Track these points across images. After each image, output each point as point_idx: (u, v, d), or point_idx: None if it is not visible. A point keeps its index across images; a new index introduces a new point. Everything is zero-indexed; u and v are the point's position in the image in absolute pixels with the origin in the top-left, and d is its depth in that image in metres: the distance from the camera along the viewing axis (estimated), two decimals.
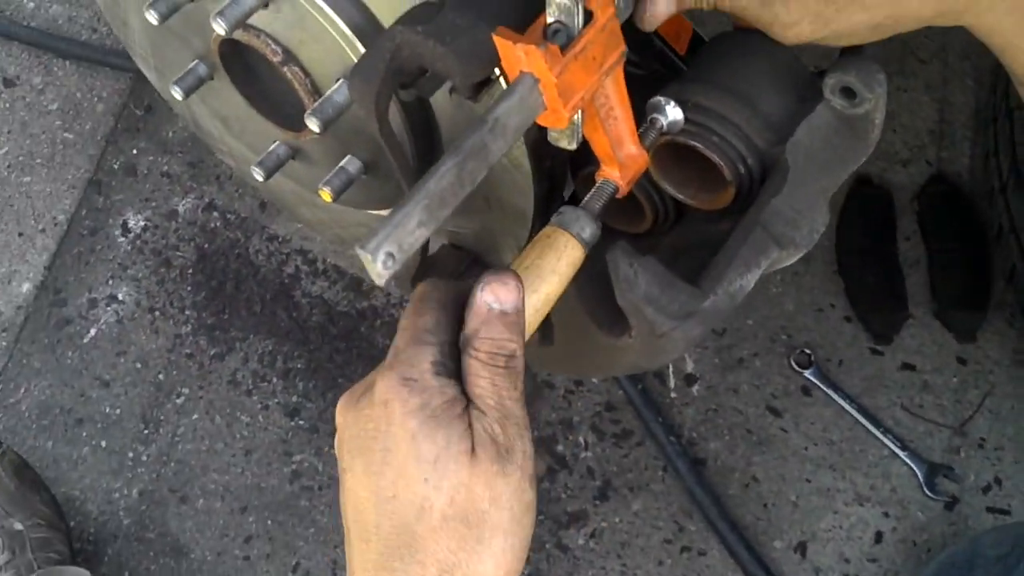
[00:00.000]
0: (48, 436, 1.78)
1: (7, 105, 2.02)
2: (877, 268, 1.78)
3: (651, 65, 1.02)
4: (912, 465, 1.69)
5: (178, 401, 1.79)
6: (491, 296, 0.71)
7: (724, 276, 0.83)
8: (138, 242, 1.89)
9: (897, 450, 1.70)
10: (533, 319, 0.76)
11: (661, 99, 0.87)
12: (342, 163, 1.03)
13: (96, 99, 1.99)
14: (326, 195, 1.02)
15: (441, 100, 0.89)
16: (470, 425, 0.69)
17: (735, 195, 0.92)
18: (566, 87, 0.70)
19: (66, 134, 1.97)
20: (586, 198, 0.82)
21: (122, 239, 1.89)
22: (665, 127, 0.87)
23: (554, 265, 0.77)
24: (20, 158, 1.96)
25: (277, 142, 1.09)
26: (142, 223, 1.90)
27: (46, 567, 1.53)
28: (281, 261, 1.86)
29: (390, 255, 0.65)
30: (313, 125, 0.92)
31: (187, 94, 1.07)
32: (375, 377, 0.71)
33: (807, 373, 1.74)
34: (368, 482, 0.70)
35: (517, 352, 0.71)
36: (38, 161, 1.95)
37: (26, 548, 1.55)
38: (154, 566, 1.70)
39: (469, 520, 0.69)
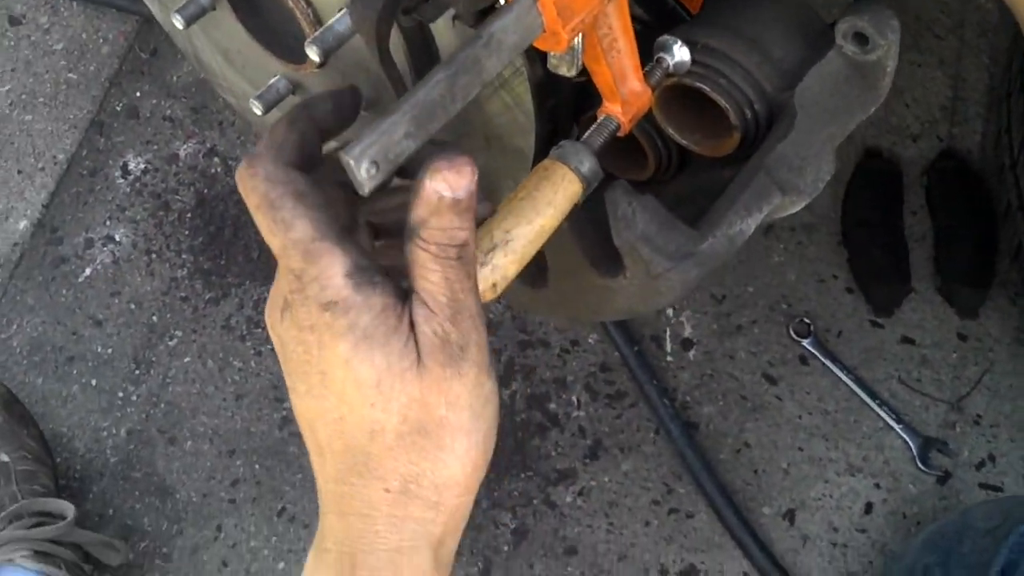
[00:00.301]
0: (39, 373, 1.77)
1: (12, 43, 2.00)
2: (882, 241, 1.77)
3: (662, 20, 1.00)
4: (906, 438, 1.68)
5: (171, 343, 1.78)
6: (442, 183, 0.62)
7: (724, 219, 0.81)
8: (137, 184, 1.87)
9: (892, 423, 1.69)
10: (527, 251, 0.74)
11: (668, 38, 0.85)
12: None
13: (101, 40, 1.97)
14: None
15: (443, 30, 0.88)
16: (411, 330, 0.64)
17: (740, 142, 0.90)
18: (565, 7, 0.68)
19: (70, 74, 1.95)
20: (586, 134, 0.81)
21: (121, 181, 1.88)
22: (671, 67, 0.86)
23: (551, 198, 0.74)
24: (23, 96, 1.94)
25: (278, 76, 1.08)
26: (142, 166, 1.88)
27: (30, 499, 1.52)
28: None
29: (374, 163, 0.63)
30: (313, 55, 0.90)
31: (188, 23, 1.05)
32: (292, 302, 0.65)
33: (805, 342, 1.73)
34: (312, 404, 0.67)
35: (469, 240, 0.65)
36: (40, 100, 1.93)
37: (11, 480, 1.54)
38: (139, 505, 1.69)
39: (427, 430, 0.65)
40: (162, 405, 1.74)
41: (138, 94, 1.94)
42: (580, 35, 0.75)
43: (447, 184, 0.62)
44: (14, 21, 2.01)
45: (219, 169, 1.88)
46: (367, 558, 0.67)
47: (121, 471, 1.71)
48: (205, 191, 1.86)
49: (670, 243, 0.81)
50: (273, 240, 0.63)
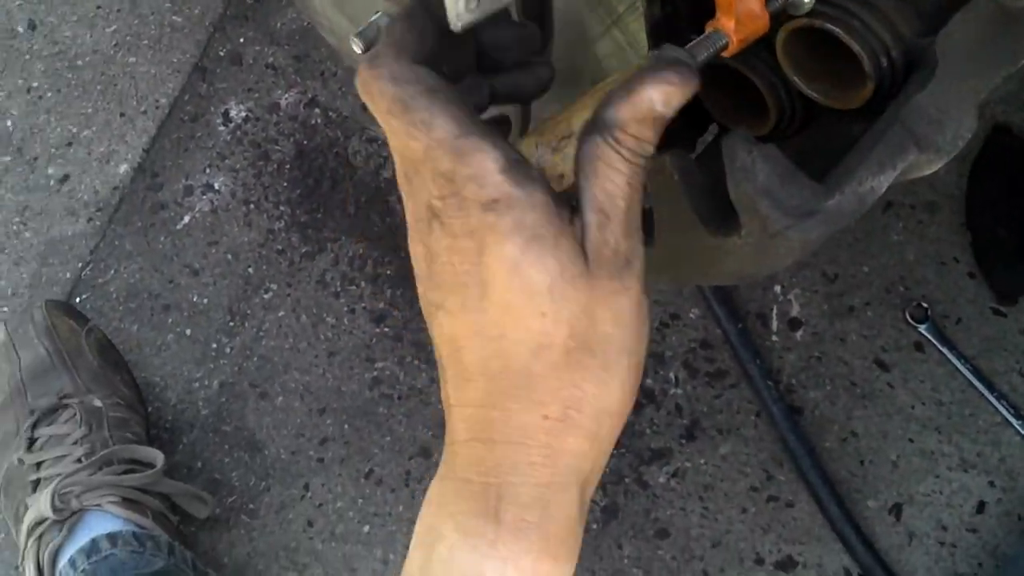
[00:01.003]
0: (134, 320, 1.77)
1: None
2: (1009, 224, 1.66)
3: None
4: None
5: (266, 296, 1.76)
6: (662, 96, 0.59)
7: (854, 174, 0.74)
8: (238, 132, 1.86)
9: (1010, 417, 1.59)
10: None
11: None
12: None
13: None
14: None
15: None
16: (581, 233, 0.60)
17: (874, 93, 0.83)
18: None
19: (175, 17, 1.93)
20: (693, 42, 0.73)
21: (222, 128, 1.86)
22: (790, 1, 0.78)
23: None
24: (128, 38, 1.93)
25: (379, 12, 1.03)
26: (243, 113, 1.86)
27: (121, 445, 1.52)
28: (379, 164, 1.81)
29: None
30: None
31: None
32: (445, 208, 0.60)
33: (922, 328, 1.64)
34: (466, 320, 0.61)
35: (649, 162, 0.62)
36: (144, 42, 1.92)
37: (103, 425, 1.54)
38: (228, 459, 1.68)
39: (593, 348, 0.60)
40: (255, 359, 1.73)
41: (241, 40, 1.91)
42: None
43: (666, 98, 0.59)
44: None
45: (319, 120, 1.85)
46: (517, 491, 0.61)
47: (212, 424, 1.70)
48: (305, 142, 1.84)
49: (793, 198, 0.73)
50: (414, 144, 0.59)
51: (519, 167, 0.58)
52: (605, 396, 0.61)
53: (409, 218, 0.64)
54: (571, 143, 0.66)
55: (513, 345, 0.60)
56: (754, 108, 0.94)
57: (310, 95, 1.86)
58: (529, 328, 0.60)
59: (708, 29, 0.74)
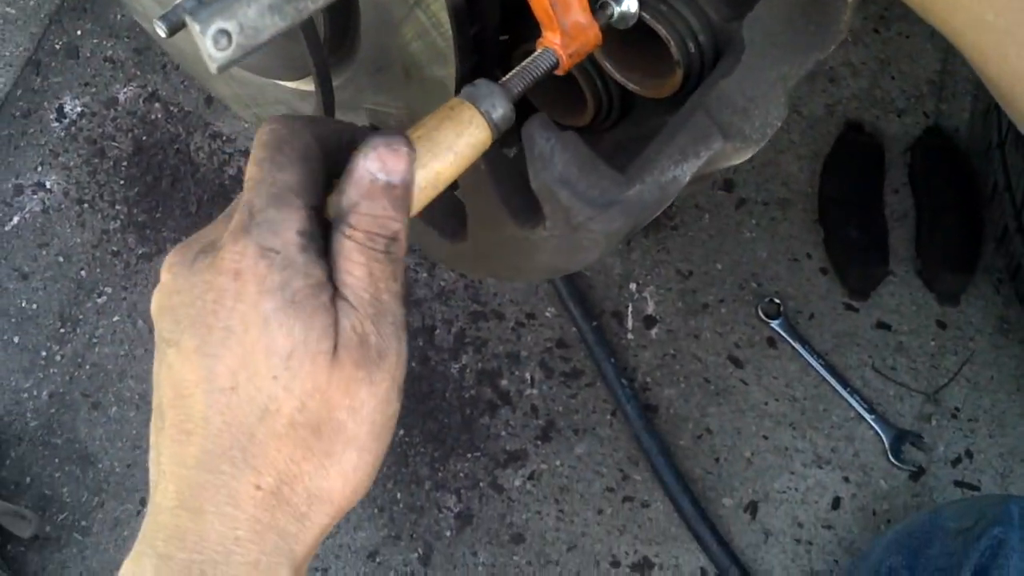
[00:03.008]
0: None
1: None
2: (860, 220, 1.66)
3: None
4: (878, 430, 1.58)
5: (99, 301, 1.67)
6: (377, 164, 0.59)
7: (655, 163, 0.71)
8: (73, 128, 1.76)
9: (864, 413, 1.59)
10: (418, 198, 0.63)
11: None
12: None
13: None
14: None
15: None
16: (336, 320, 0.58)
17: (684, 80, 0.80)
18: None
19: (8, 8, 1.83)
20: (515, 69, 0.70)
21: (56, 124, 1.76)
22: (615, 16, 0.75)
23: (452, 141, 0.63)
24: None
25: None
26: (79, 108, 1.77)
27: None
28: (223, 161, 1.74)
29: (224, 32, 0.53)
30: None
31: None
32: (224, 236, 0.58)
33: (774, 324, 1.63)
34: (199, 364, 0.58)
35: (400, 235, 0.60)
36: None
37: None
38: (59, 473, 1.59)
39: (321, 431, 0.58)
40: (87, 367, 1.64)
41: (79, 32, 1.82)
42: None
43: (382, 164, 0.59)
44: None
45: (160, 115, 1.76)
46: (221, 571, 0.57)
47: (41, 436, 1.61)
48: (144, 138, 1.75)
49: (593, 188, 0.70)
50: (256, 172, 0.59)
51: (314, 240, 0.58)
52: (322, 482, 0.59)
53: (181, 244, 0.62)
54: None
55: (241, 402, 0.57)
56: (573, 99, 0.90)
57: (150, 89, 1.78)
58: (260, 388, 0.57)
59: (538, 47, 0.71)
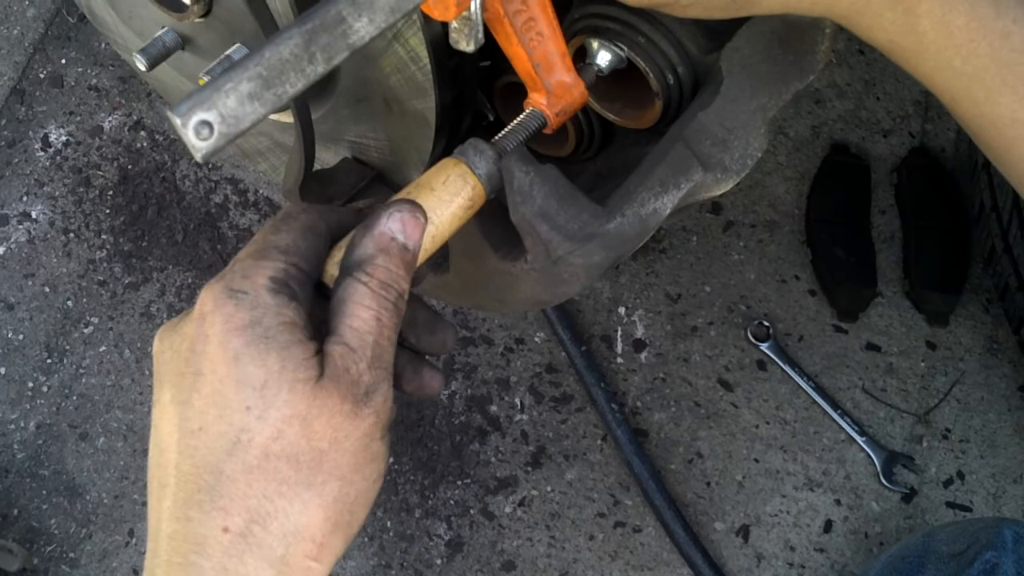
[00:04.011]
0: None
1: None
2: (847, 241, 1.66)
3: None
4: (870, 452, 1.58)
5: (86, 331, 1.66)
6: (399, 226, 0.61)
7: (635, 196, 0.70)
8: (58, 158, 1.75)
9: (855, 435, 1.59)
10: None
11: (589, 39, 0.75)
12: (229, 51, 0.90)
13: (27, 2, 1.84)
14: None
15: None
16: (318, 354, 0.57)
17: (664, 111, 0.79)
18: None
19: None
20: (505, 130, 0.71)
21: (41, 153, 1.76)
22: (602, 70, 0.76)
23: (449, 203, 0.67)
24: None
25: (164, 28, 0.97)
26: (64, 138, 1.76)
27: None
28: (209, 189, 1.73)
29: (205, 124, 0.54)
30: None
31: None
32: (202, 291, 0.59)
33: (764, 346, 1.63)
34: (173, 413, 0.57)
35: (405, 294, 0.61)
36: None
37: None
38: (46, 505, 1.57)
39: (299, 460, 0.56)
40: (74, 397, 1.63)
41: (63, 61, 1.81)
42: (477, 2, 0.65)
43: (402, 227, 0.61)
44: None
45: (145, 144, 1.76)
46: None
47: (28, 468, 1.59)
48: (129, 167, 1.74)
49: (572, 221, 0.70)
50: (256, 236, 0.62)
51: (286, 287, 0.58)
52: (300, 517, 0.56)
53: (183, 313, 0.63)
54: None
55: (211, 439, 0.56)
56: (556, 130, 0.90)
57: (135, 117, 1.77)
58: (231, 423, 0.56)
59: (525, 107, 0.72)
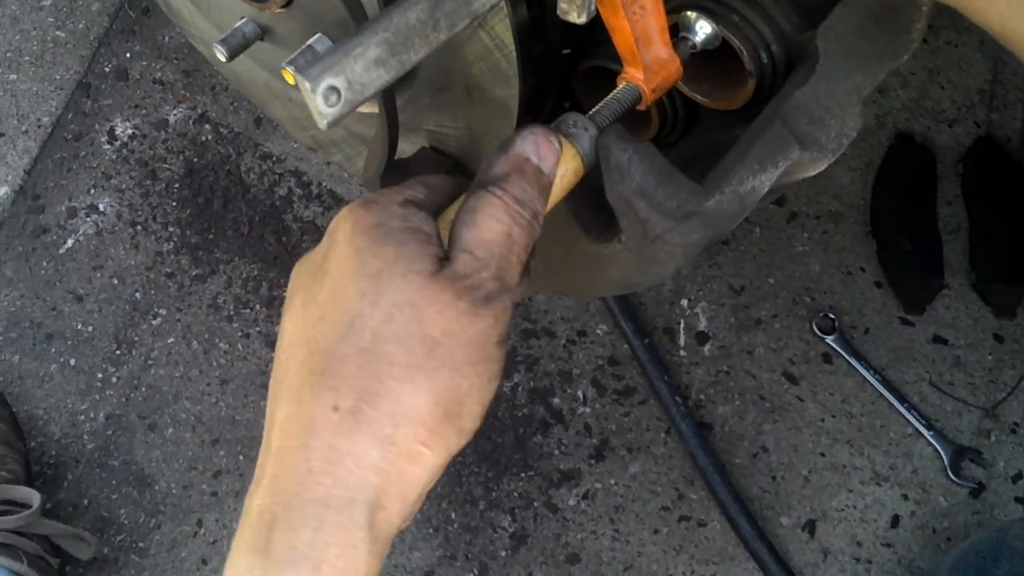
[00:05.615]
0: (15, 350, 1.68)
1: None
2: (914, 232, 1.64)
3: None
4: (937, 446, 1.56)
5: (154, 322, 1.68)
6: (533, 147, 0.61)
7: (734, 173, 0.70)
8: (124, 151, 1.77)
9: (922, 429, 1.57)
10: None
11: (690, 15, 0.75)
12: (310, 41, 0.91)
13: None
14: (289, 76, 0.90)
15: None
16: (438, 251, 0.58)
17: (756, 91, 0.79)
18: None
19: (58, 32, 1.85)
20: (599, 105, 0.70)
21: (108, 147, 1.78)
22: (697, 45, 0.76)
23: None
24: (8, 54, 1.84)
25: (244, 18, 0.98)
26: (130, 131, 1.78)
27: None
28: (273, 181, 1.74)
29: (333, 89, 0.54)
30: None
31: None
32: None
33: (829, 339, 1.61)
34: (299, 311, 0.59)
35: (540, 219, 0.60)
36: (26, 59, 1.83)
37: None
38: (115, 495, 1.59)
39: (410, 345, 0.56)
40: (143, 388, 1.64)
41: (128, 55, 1.83)
42: None
43: (537, 148, 0.61)
44: None
45: (210, 136, 1.77)
46: (290, 513, 0.55)
47: (98, 458, 1.61)
48: (195, 160, 1.76)
49: (671, 199, 0.69)
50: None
51: (417, 206, 0.60)
52: (410, 399, 0.56)
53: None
54: None
55: (326, 328, 0.57)
56: (639, 113, 0.90)
57: (200, 110, 1.79)
58: (346, 309, 0.56)
59: (619, 83, 0.72)
